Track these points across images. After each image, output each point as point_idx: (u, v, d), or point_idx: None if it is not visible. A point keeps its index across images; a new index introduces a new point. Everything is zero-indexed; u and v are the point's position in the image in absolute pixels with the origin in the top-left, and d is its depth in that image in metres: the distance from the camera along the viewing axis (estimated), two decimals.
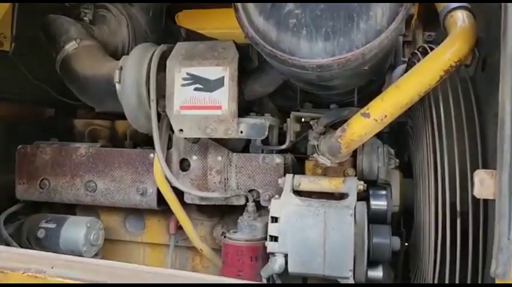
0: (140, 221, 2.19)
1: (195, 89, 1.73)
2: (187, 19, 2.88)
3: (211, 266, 2.14)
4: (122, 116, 2.38)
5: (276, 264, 1.56)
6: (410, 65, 1.92)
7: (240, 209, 1.95)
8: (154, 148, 2.02)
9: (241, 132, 1.72)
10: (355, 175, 1.80)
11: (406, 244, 1.95)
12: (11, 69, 2.16)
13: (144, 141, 2.26)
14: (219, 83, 1.71)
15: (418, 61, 1.74)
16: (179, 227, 2.07)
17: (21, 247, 1.94)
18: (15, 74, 2.18)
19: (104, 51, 2.05)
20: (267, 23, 1.39)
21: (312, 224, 1.54)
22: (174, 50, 1.80)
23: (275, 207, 1.60)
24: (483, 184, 1.18)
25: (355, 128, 1.45)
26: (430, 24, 2.24)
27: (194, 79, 1.73)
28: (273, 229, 1.58)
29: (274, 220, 1.59)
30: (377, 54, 1.39)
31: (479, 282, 1.38)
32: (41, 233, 1.96)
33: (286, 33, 1.37)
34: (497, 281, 1.16)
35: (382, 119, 1.41)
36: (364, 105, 1.52)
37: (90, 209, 2.18)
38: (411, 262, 1.89)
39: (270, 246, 1.57)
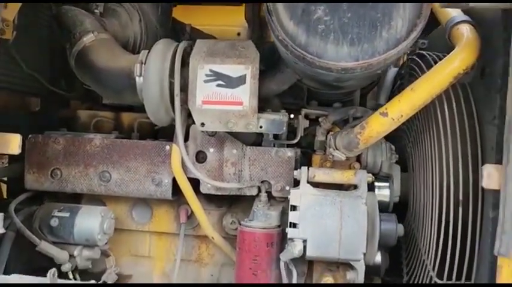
0: (147, 210, 2.25)
1: (218, 85, 1.83)
2: (182, 14, 2.95)
3: (216, 254, 2.25)
4: (126, 109, 2.46)
5: (296, 249, 1.70)
6: (407, 69, 2.12)
7: (247, 200, 2.08)
8: (165, 140, 2.12)
9: (261, 127, 1.84)
10: (360, 168, 1.97)
11: None
12: (7, 57, 2.14)
13: (150, 133, 2.34)
14: (241, 80, 1.81)
15: (417, 65, 1.95)
16: (188, 217, 2.17)
17: (33, 234, 1.96)
18: (11, 63, 2.17)
19: (118, 44, 2.09)
20: (297, 27, 1.52)
21: (329, 212, 1.70)
22: (195, 47, 1.88)
23: (295, 196, 1.74)
24: (490, 176, 1.38)
25: (374, 126, 1.62)
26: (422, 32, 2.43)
27: (217, 76, 1.83)
28: (293, 217, 1.72)
29: (294, 208, 1.74)
30: (395, 60, 1.56)
31: (476, 261, 1.58)
32: (54, 222, 1.99)
33: (315, 38, 1.51)
34: (499, 259, 1.36)
35: (398, 119, 1.58)
36: (365, 103, 1.69)
37: (96, 199, 2.23)
38: (404, 248, 2.09)
39: (291, 232, 1.71)
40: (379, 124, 1.61)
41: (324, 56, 1.51)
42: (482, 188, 1.51)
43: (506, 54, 1.37)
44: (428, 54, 1.95)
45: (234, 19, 3.15)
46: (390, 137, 2.23)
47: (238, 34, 3.24)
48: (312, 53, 1.52)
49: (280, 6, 1.54)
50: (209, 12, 3.19)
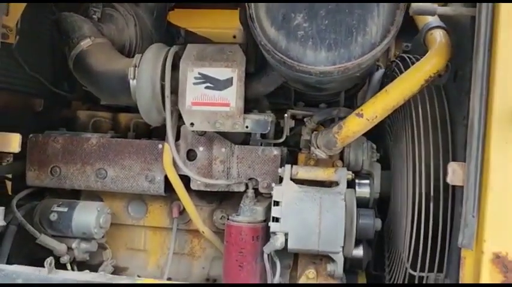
0: (142, 206, 2.37)
1: (206, 87, 1.94)
2: (178, 18, 3.07)
3: (208, 248, 2.36)
4: (123, 109, 2.58)
5: (278, 241, 1.80)
6: (389, 71, 2.21)
7: (236, 196, 2.18)
8: (158, 140, 2.23)
9: (247, 126, 1.95)
10: (343, 166, 2.07)
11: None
12: (11, 60, 2.26)
13: (145, 133, 2.45)
14: (228, 82, 1.92)
15: (397, 67, 2.04)
16: (180, 212, 2.29)
17: (34, 228, 2.08)
18: (13, 65, 2.28)
19: (114, 48, 2.21)
20: (278, 33, 1.62)
21: (310, 207, 1.80)
22: (185, 51, 1.99)
23: (277, 193, 1.85)
24: (455, 173, 1.48)
25: (350, 126, 1.72)
26: (405, 35, 2.52)
27: (205, 78, 1.94)
28: (275, 211, 1.82)
29: (276, 203, 1.84)
30: (370, 64, 1.66)
31: (447, 253, 1.68)
32: (53, 216, 2.11)
33: (294, 43, 1.61)
34: (463, 250, 1.46)
35: (373, 119, 1.68)
36: (350, 104, 1.79)
37: (94, 195, 2.35)
38: (386, 243, 2.19)
39: (273, 226, 1.82)
40: (355, 124, 1.71)
41: (304, 60, 1.61)
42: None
43: (472, 59, 1.46)
44: (409, 57, 2.04)
45: (230, 22, 3.24)
46: (378, 137, 2.34)
47: (234, 36, 3.34)
48: (292, 57, 1.62)
49: (262, 13, 1.64)
50: (205, 16, 3.29)
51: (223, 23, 3.32)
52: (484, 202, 1.39)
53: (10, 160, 2.27)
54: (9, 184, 2.47)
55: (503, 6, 1.36)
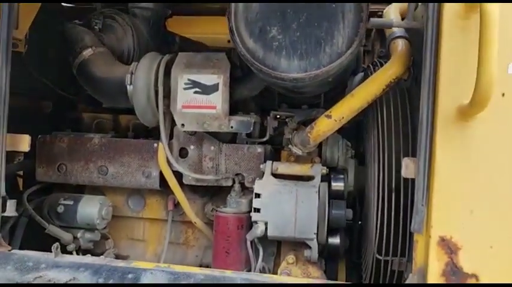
0: (141, 200, 2.60)
1: (195, 92, 2.15)
2: (176, 25, 3.29)
3: (201, 238, 2.58)
4: (124, 111, 2.80)
5: (259, 229, 2.02)
6: (366, 74, 2.41)
7: (226, 190, 2.39)
8: (156, 139, 2.45)
9: (232, 127, 2.16)
10: (320, 162, 2.27)
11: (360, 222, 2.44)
12: (21, 67, 2.48)
13: (144, 133, 2.68)
14: (214, 87, 2.14)
15: (371, 72, 2.24)
16: (175, 205, 2.51)
17: (43, 219, 2.32)
18: (24, 72, 2.51)
19: (114, 57, 2.43)
20: (256, 44, 1.83)
21: (287, 198, 2.02)
22: (176, 59, 2.21)
23: (258, 186, 2.06)
24: (408, 167, 1.68)
25: (320, 126, 1.93)
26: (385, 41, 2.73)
27: (194, 84, 2.15)
28: (256, 203, 2.04)
29: (258, 196, 2.06)
30: (338, 70, 1.86)
31: (408, 237, 1.88)
32: (60, 209, 2.35)
33: (270, 53, 1.81)
34: (415, 235, 1.66)
35: (340, 120, 1.89)
36: (330, 106, 1.99)
37: (97, 190, 2.58)
38: (364, 233, 2.39)
39: (254, 216, 2.04)
40: (324, 125, 1.92)
41: (278, 68, 1.81)
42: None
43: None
44: (380, 62, 2.24)
45: (224, 28, 3.45)
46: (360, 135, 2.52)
47: (229, 41, 3.55)
48: (268, 66, 1.82)
49: (241, 26, 1.85)
50: (201, 23, 3.51)
51: (218, 29, 3.54)
52: (431, 192, 1.58)
53: (21, 158, 2.51)
54: (20, 180, 2.72)
55: (445, 21, 1.55)
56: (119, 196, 2.59)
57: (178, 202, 2.46)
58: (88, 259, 1.84)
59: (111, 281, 1.63)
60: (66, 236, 2.32)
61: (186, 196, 2.42)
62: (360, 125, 2.58)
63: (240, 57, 2.20)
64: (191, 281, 1.62)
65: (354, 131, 2.62)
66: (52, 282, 1.61)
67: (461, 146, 1.55)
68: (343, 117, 1.89)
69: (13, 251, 1.85)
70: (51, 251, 1.91)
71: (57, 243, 1.82)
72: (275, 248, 2.32)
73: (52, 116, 2.83)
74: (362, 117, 2.45)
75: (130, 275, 1.65)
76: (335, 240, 2.21)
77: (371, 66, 2.32)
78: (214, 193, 2.52)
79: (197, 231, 2.57)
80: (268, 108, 2.42)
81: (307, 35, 1.77)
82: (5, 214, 1.92)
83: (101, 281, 1.62)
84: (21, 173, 2.67)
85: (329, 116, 1.90)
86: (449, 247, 1.57)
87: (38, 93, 2.70)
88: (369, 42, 3.31)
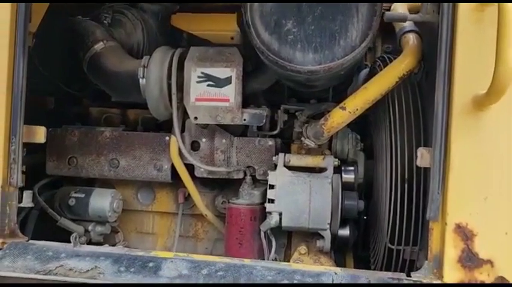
0: (150, 193, 2.61)
1: (208, 85, 2.18)
2: (181, 21, 3.31)
3: (210, 231, 2.61)
4: (132, 105, 2.81)
5: (273, 220, 2.05)
6: (372, 70, 2.45)
7: (236, 184, 2.42)
8: (165, 133, 2.46)
9: (244, 119, 2.19)
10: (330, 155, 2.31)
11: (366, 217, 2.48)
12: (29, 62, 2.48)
13: (153, 127, 2.69)
14: (227, 81, 2.16)
15: (379, 67, 2.29)
16: (185, 198, 2.53)
17: (54, 212, 2.32)
18: (29, 67, 2.51)
19: (124, 51, 2.45)
20: (271, 37, 1.86)
21: (301, 189, 2.05)
22: (189, 53, 2.23)
23: (272, 177, 2.10)
24: (423, 157, 1.72)
25: (335, 118, 1.97)
26: (388, 37, 2.78)
27: (207, 77, 2.18)
28: (270, 194, 2.07)
29: (271, 187, 2.09)
30: (351, 63, 1.90)
31: (421, 226, 1.93)
32: (71, 202, 2.35)
33: (285, 46, 1.85)
34: (430, 222, 1.70)
35: (354, 111, 1.93)
36: (337, 100, 2.03)
37: (107, 183, 2.58)
38: (372, 224, 2.44)
39: (268, 207, 2.07)
40: (339, 116, 1.96)
41: (293, 61, 1.85)
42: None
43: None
44: (389, 57, 2.29)
45: (228, 25, 3.48)
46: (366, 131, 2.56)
47: (232, 38, 3.58)
48: (283, 58, 1.86)
49: (256, 19, 1.88)
50: (205, 20, 3.53)
51: (222, 26, 3.57)
52: (447, 180, 1.63)
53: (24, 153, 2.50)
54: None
55: (461, 15, 1.60)
56: (128, 189, 2.60)
57: (188, 195, 2.48)
58: (107, 248, 1.86)
59: (132, 270, 1.65)
60: (77, 228, 2.33)
61: (197, 189, 2.44)
62: (366, 122, 2.63)
63: (249, 51, 2.26)
64: (212, 269, 1.64)
65: (359, 128, 2.68)
66: (74, 271, 1.62)
67: (476, 135, 1.60)
68: (357, 109, 1.93)
69: (31, 241, 1.86)
70: None
71: (76, 233, 1.83)
72: (286, 239, 2.35)
73: (55, 111, 2.83)
74: (369, 113, 2.52)
75: (151, 264, 1.67)
76: (345, 232, 2.24)
77: (378, 61, 2.37)
78: (224, 186, 2.54)
79: (207, 224, 2.59)
80: (277, 103, 2.45)
81: (321, 28, 1.81)
82: (22, 205, 1.92)
83: (122, 269, 1.64)
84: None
85: (343, 108, 1.94)
86: (465, 234, 1.62)
87: (42, 88, 2.69)
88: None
